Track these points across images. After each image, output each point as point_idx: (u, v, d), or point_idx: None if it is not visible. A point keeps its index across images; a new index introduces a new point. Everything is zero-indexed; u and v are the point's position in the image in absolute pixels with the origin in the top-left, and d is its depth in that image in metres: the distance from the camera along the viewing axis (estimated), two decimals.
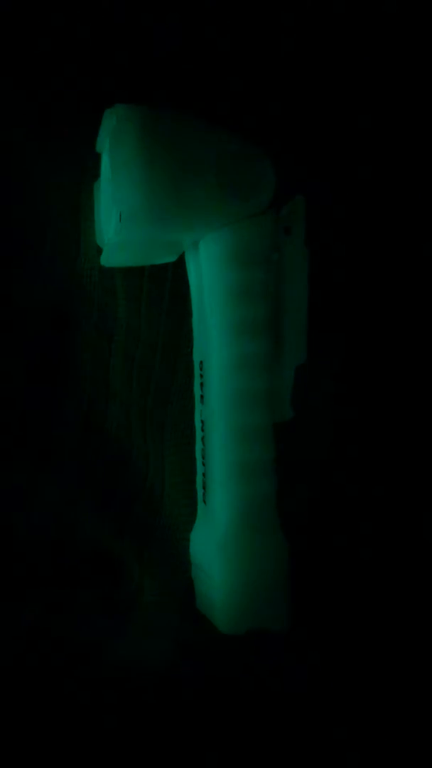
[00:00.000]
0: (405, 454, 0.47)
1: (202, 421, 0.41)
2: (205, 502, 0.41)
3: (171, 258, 0.41)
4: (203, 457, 0.41)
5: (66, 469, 0.42)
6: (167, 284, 0.43)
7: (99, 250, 0.41)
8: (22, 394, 0.42)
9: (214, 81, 0.43)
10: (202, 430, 0.41)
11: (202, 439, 0.41)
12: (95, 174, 0.40)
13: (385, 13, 0.44)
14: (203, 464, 0.41)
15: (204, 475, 0.41)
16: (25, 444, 0.42)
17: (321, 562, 0.46)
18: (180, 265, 0.42)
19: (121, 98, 0.37)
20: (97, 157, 0.40)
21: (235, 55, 0.43)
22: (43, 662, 0.42)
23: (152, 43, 0.42)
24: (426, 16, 0.45)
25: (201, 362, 0.41)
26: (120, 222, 0.35)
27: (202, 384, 0.41)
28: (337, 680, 0.46)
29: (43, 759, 0.42)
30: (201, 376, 0.41)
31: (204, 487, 0.41)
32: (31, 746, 0.42)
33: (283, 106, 0.44)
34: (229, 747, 0.44)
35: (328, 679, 0.46)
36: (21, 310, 0.41)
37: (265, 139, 0.39)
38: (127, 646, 0.43)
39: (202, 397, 0.41)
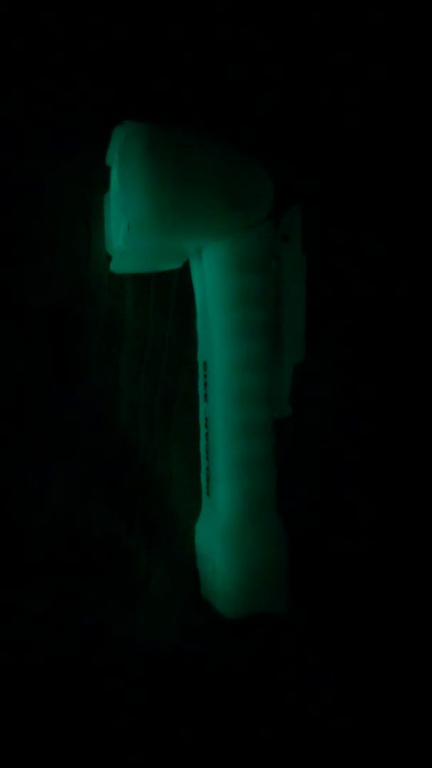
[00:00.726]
0: (403, 447, 0.47)
1: (206, 419, 0.41)
2: (208, 494, 0.42)
3: (176, 265, 0.42)
4: (207, 452, 0.41)
5: (78, 464, 0.43)
6: (173, 289, 0.43)
7: (109, 258, 0.42)
8: (34, 393, 0.42)
9: (215, 96, 0.43)
10: (206, 426, 0.41)
11: (206, 435, 0.41)
12: (105, 186, 0.41)
13: (383, 21, 0.45)
14: (207, 459, 0.41)
15: (207, 469, 0.41)
16: (37, 440, 0.42)
17: (319, 550, 0.46)
18: (185, 271, 0.42)
19: (129, 114, 0.38)
20: (106, 171, 0.40)
21: (235, 70, 0.43)
22: (53, 648, 0.42)
23: (159, 59, 0.42)
24: (425, 18, 0.45)
25: (205, 363, 0.41)
26: (128, 232, 0.36)
27: (205, 383, 0.41)
28: (335, 664, 0.46)
29: (52, 742, 0.42)
30: (205, 375, 0.41)
31: (207, 481, 0.41)
32: (40, 731, 0.42)
33: (280, 119, 0.44)
34: (233, 730, 0.45)
35: (327, 662, 0.46)
36: (34, 314, 0.42)
37: (264, 152, 0.40)
38: (134, 633, 0.44)
39: (205, 395, 0.41)
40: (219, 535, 0.40)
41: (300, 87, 0.45)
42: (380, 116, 0.46)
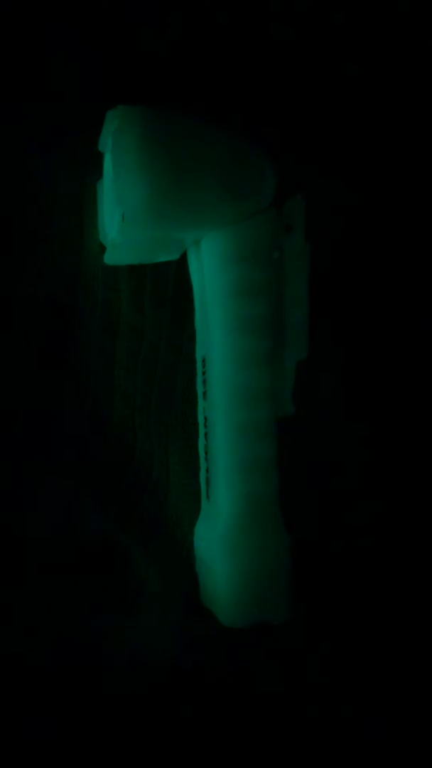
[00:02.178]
0: (408, 448, 0.47)
1: (205, 418, 0.41)
2: (208, 497, 0.41)
3: (173, 256, 0.41)
4: (206, 453, 0.41)
5: (72, 464, 0.42)
6: (170, 282, 0.43)
7: (102, 249, 0.41)
8: (27, 390, 0.42)
9: (214, 80, 0.42)
10: (205, 426, 0.41)
11: (205, 435, 0.41)
12: (98, 173, 0.40)
13: (385, 11, 0.44)
14: (206, 460, 0.41)
15: (207, 470, 0.41)
16: (30, 439, 0.42)
17: (322, 555, 0.46)
18: (182, 263, 0.42)
19: (123, 98, 0.37)
20: (100, 157, 0.40)
21: (235, 53, 0.43)
22: (48, 653, 0.42)
23: (154, 42, 0.42)
24: (426, 12, 0.45)
25: (203, 359, 0.41)
26: (122, 222, 0.35)
27: (204, 381, 0.41)
28: (338, 672, 0.46)
29: (47, 749, 0.42)
30: (204, 372, 0.41)
31: (207, 483, 0.41)
32: (34, 737, 0.42)
33: (283, 104, 0.43)
34: (231, 739, 0.44)
35: (330, 670, 0.46)
36: (25, 307, 0.41)
37: (265, 137, 0.39)
38: (132, 638, 0.43)
39: (204, 393, 0.41)
40: (219, 541, 0.39)
41: (303, 72, 0.44)
42: (385, 101, 0.45)
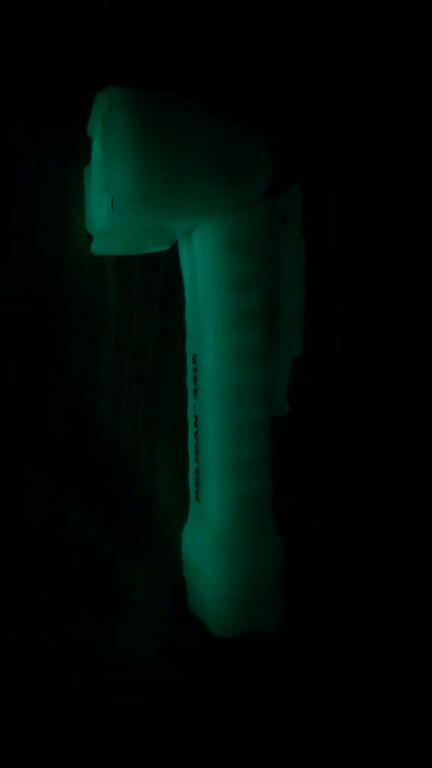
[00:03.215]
0: (403, 448, 0.46)
1: (196, 416, 0.40)
2: (198, 499, 0.41)
3: (164, 247, 0.40)
4: (196, 453, 0.40)
5: (55, 463, 0.42)
6: (159, 274, 0.42)
7: (89, 238, 0.40)
8: (9, 385, 0.41)
9: (210, 64, 0.42)
10: (196, 425, 0.40)
11: (195, 434, 0.40)
12: (86, 159, 0.39)
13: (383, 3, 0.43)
14: (196, 460, 0.40)
15: (197, 471, 0.40)
16: (13, 436, 0.41)
17: (317, 559, 0.45)
18: (173, 254, 0.41)
19: (113, 81, 0.36)
20: (88, 142, 0.39)
21: (231, 37, 0.42)
22: (31, 661, 0.42)
23: (147, 24, 0.41)
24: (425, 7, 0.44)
25: (194, 355, 0.40)
26: (111, 209, 0.34)
27: (195, 377, 0.40)
28: (333, 681, 0.46)
29: (31, 758, 0.42)
30: (194, 369, 0.40)
31: (197, 484, 0.40)
32: (18, 745, 0.42)
33: (281, 90, 0.43)
34: (219, 748, 0.44)
35: (324, 679, 0.46)
36: (9, 299, 0.40)
37: (262, 124, 0.38)
38: (117, 645, 0.43)
39: (195, 390, 0.40)
40: (210, 545, 0.39)
41: (302, 58, 0.43)
42: (385, 92, 0.45)
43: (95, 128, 0.37)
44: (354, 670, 0.46)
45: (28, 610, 0.42)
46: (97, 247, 0.40)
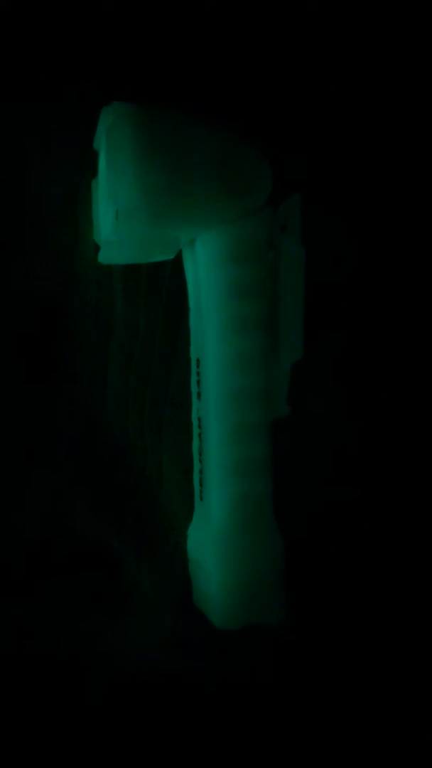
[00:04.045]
0: (403, 451, 0.46)
1: (199, 418, 0.40)
2: (201, 498, 0.41)
3: (168, 255, 0.41)
4: (200, 454, 0.40)
5: (63, 465, 0.42)
6: (165, 282, 0.42)
7: (97, 248, 0.41)
8: (19, 389, 0.41)
9: (210, 76, 0.42)
10: (199, 427, 0.40)
11: (199, 435, 0.40)
12: (94, 171, 0.40)
13: (384, 11, 0.44)
14: (200, 461, 0.40)
15: (201, 471, 0.40)
16: (22, 439, 0.41)
17: (317, 557, 0.45)
18: (178, 262, 0.41)
19: (119, 95, 0.36)
20: (95, 155, 0.39)
21: (232, 51, 0.42)
22: (37, 657, 0.42)
23: (151, 39, 0.41)
24: (426, 11, 0.44)
25: (198, 359, 0.40)
26: (116, 220, 0.35)
27: (198, 381, 0.40)
28: (334, 675, 0.46)
29: (37, 751, 0.42)
30: (198, 373, 0.40)
31: (201, 484, 0.41)
32: (24, 738, 0.42)
33: (280, 103, 0.43)
34: (225, 743, 0.44)
35: (325, 673, 0.46)
36: (18, 306, 0.41)
37: (261, 136, 0.39)
38: (122, 644, 0.43)
39: (199, 394, 0.40)
40: (212, 542, 0.39)
41: (301, 70, 0.43)
42: (388, 99, 0.45)
43: (101, 142, 0.37)
44: (354, 666, 0.46)
45: (32, 606, 0.42)
46: (105, 257, 0.40)
